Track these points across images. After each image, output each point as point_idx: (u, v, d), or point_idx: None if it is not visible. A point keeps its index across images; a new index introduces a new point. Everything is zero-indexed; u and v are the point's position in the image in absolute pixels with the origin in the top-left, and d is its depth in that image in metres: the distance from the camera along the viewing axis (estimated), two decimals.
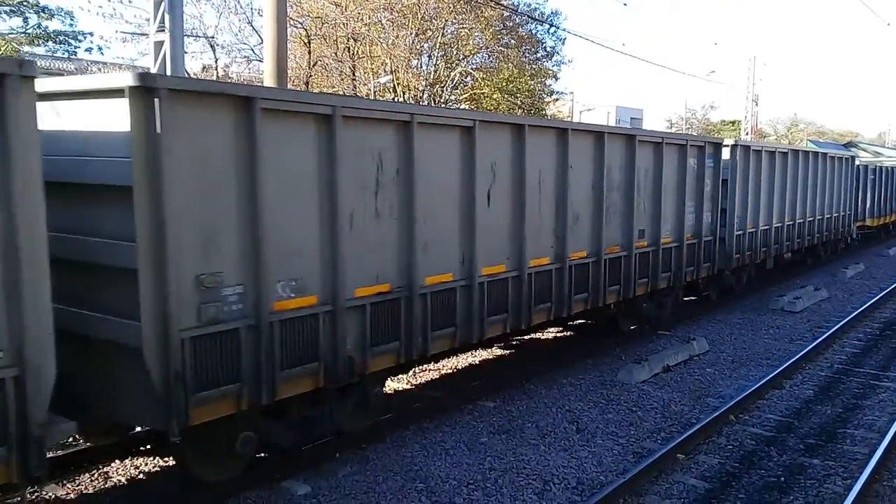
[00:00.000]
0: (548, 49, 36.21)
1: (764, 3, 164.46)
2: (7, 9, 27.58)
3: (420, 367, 11.09)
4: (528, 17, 33.48)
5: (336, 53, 29.89)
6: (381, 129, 7.63)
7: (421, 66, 31.32)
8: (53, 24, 29.37)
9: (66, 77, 6.21)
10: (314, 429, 7.58)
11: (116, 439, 7.68)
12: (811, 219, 20.95)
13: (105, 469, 7.56)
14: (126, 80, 5.57)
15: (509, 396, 10.05)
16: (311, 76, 28.70)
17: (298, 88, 27.07)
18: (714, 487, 7.50)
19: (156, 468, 7.66)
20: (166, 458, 7.67)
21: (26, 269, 4.85)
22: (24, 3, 27.56)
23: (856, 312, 15.76)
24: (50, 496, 6.92)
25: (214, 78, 28.35)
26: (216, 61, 29.34)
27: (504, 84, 33.00)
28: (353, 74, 30.12)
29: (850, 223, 25.39)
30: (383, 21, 29.46)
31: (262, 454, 7.61)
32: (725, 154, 15.21)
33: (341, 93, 28.83)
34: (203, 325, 6.07)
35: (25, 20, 28.30)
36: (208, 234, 6.08)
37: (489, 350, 12.34)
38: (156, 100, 5.59)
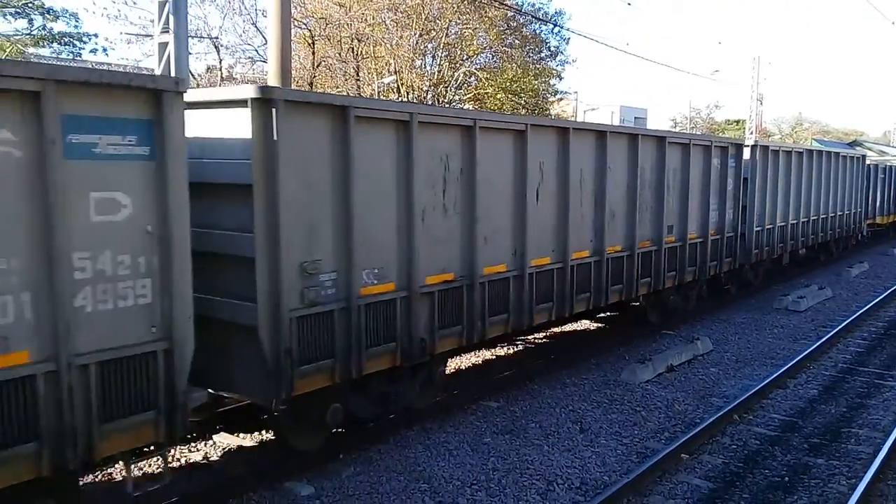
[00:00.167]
0: (552, 49, 36.20)
1: (768, 3, 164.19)
2: (12, 10, 27.68)
3: None
4: (532, 16, 33.49)
5: (340, 54, 29.91)
6: (448, 134, 8.46)
7: (425, 67, 31.32)
8: (58, 26, 29.49)
9: (195, 89, 7.03)
10: (390, 403, 8.40)
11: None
12: (824, 216, 21.66)
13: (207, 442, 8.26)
14: (249, 92, 6.47)
15: (512, 396, 10.06)
16: (315, 77, 28.74)
17: (302, 89, 27.12)
18: (718, 487, 7.50)
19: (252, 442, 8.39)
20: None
21: (175, 260, 5.66)
22: (29, 5, 27.66)
23: (860, 311, 15.73)
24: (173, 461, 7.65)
25: (219, 79, 28.43)
26: (220, 62, 29.42)
27: (508, 84, 32.99)
28: (357, 75, 30.14)
29: (861, 220, 26.06)
30: (387, 21, 29.46)
31: (341, 429, 8.25)
32: (746, 154, 16.09)
33: (345, 93, 28.87)
34: (305, 306, 6.94)
35: (30, 22, 28.41)
36: (310, 227, 6.95)
37: (491, 350, 12.35)
38: (273, 109, 6.46)
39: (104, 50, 31.71)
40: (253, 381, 6.82)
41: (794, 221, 19.37)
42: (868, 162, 27.48)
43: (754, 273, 18.14)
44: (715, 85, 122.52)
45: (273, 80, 11.90)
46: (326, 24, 28.72)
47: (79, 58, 30.37)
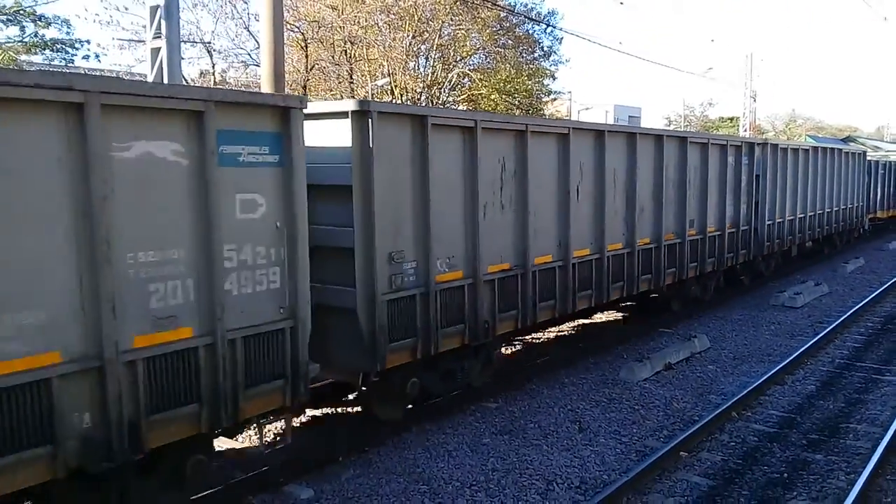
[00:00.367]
0: (545, 49, 36.28)
1: (761, 0, 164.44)
2: (4, 18, 27.59)
3: None
4: (525, 17, 33.52)
5: (333, 57, 29.89)
6: (504, 138, 9.44)
7: (418, 68, 31.34)
8: (50, 33, 29.35)
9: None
10: (455, 380, 9.34)
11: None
12: (829, 210, 22.71)
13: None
14: (349, 105, 7.57)
15: (511, 396, 10.06)
16: (308, 80, 28.72)
17: (296, 93, 27.09)
18: (717, 484, 7.50)
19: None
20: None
21: (298, 251, 6.65)
22: (21, 12, 27.56)
23: (857, 307, 15.74)
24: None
25: (212, 83, 28.38)
26: (213, 67, 29.38)
27: (502, 84, 33.01)
28: (351, 77, 30.14)
29: (863, 214, 27.14)
30: (380, 23, 29.46)
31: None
32: (757, 152, 17.13)
33: (339, 96, 28.86)
34: (393, 291, 7.96)
35: (22, 29, 28.24)
36: (396, 221, 7.95)
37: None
38: (369, 120, 7.49)
39: (97, 56, 31.77)
40: (352, 356, 7.91)
41: (802, 215, 20.30)
42: (868, 158, 28.31)
43: (766, 265, 19.13)
44: (708, 83, 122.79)
45: (266, 85, 11.87)
46: (319, 27, 28.71)
47: (71, 64, 30.30)
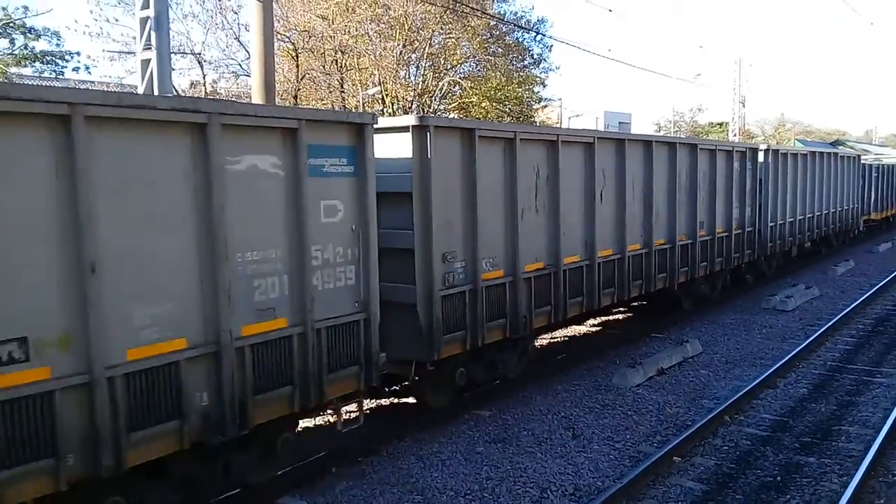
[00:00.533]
0: (535, 56, 36.33)
1: (748, 6, 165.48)
2: None
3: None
4: (515, 25, 33.61)
5: (324, 66, 29.89)
6: (538, 147, 10.26)
7: (409, 77, 31.36)
8: (40, 45, 29.26)
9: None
10: (496, 370, 10.15)
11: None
12: (826, 212, 23.70)
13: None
14: (410, 120, 8.46)
15: (504, 405, 10.06)
16: (299, 89, 28.72)
17: (287, 102, 27.10)
18: (711, 489, 7.52)
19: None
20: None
21: (370, 251, 7.48)
22: (11, 25, 27.49)
23: (847, 310, 15.82)
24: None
25: (203, 94, 28.35)
26: (204, 77, 29.33)
27: (492, 92, 33.06)
28: (342, 87, 30.14)
29: (858, 216, 28.26)
30: (370, 33, 29.49)
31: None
32: (760, 157, 18.14)
33: (330, 105, 28.88)
34: (446, 288, 8.76)
35: (12, 41, 28.14)
36: (448, 224, 8.74)
37: None
38: (427, 134, 8.35)
39: (87, 68, 31.61)
40: (412, 347, 8.64)
41: (801, 217, 21.22)
42: (862, 161, 29.39)
43: (768, 265, 20.05)
44: (697, 88, 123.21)
45: (257, 94, 11.88)
46: (310, 37, 28.72)
47: (61, 76, 30.25)
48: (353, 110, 26.86)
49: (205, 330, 6.10)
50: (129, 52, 25.57)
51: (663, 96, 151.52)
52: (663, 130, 70.31)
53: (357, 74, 30.03)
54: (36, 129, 5.08)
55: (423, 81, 31.04)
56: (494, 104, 33.30)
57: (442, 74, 31.72)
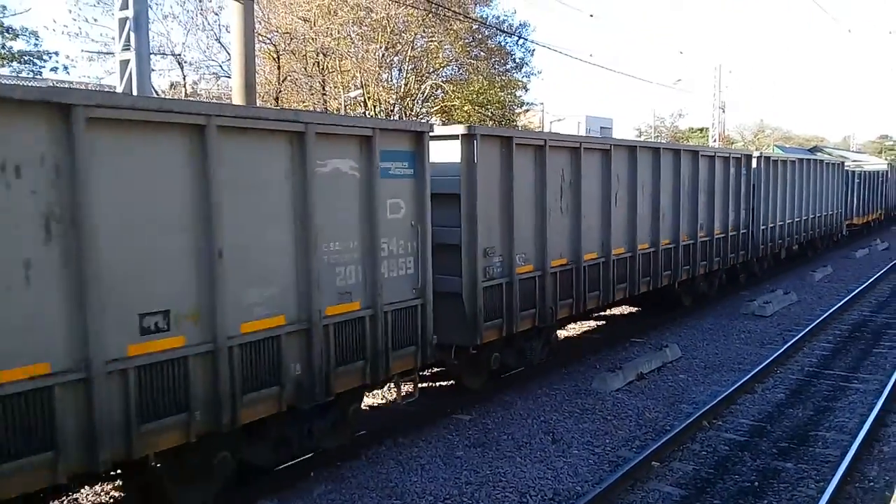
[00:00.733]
0: (517, 60, 36.44)
1: (728, 13, 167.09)
2: None
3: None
4: (497, 29, 33.68)
5: (306, 68, 29.79)
6: (564, 153, 11.26)
7: (391, 80, 31.31)
8: (18, 45, 28.96)
9: None
10: (525, 356, 11.09)
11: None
12: (813, 216, 24.87)
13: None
14: (459, 130, 9.45)
15: (484, 409, 10.04)
16: (280, 91, 28.58)
17: (268, 104, 26.96)
18: (689, 494, 7.54)
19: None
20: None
21: (426, 244, 8.49)
22: None
23: (825, 315, 15.95)
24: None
25: (183, 95, 28.14)
26: (184, 78, 29.11)
27: (474, 96, 33.13)
28: (324, 89, 30.05)
29: (842, 221, 29.36)
30: (352, 35, 29.42)
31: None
32: (753, 164, 19.40)
33: (311, 108, 28.76)
34: (487, 279, 9.69)
35: None
36: (489, 222, 9.67)
37: None
38: (474, 142, 9.31)
39: (65, 68, 31.24)
40: (457, 332, 9.49)
41: (790, 221, 22.41)
42: (846, 168, 30.48)
43: (760, 266, 21.08)
44: (678, 94, 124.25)
45: (237, 96, 11.80)
46: (291, 39, 28.61)
47: (39, 76, 29.88)
48: (336, 112, 26.76)
49: (299, 309, 7.09)
50: (108, 53, 25.35)
51: (644, 101, 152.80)
52: (644, 135, 70.70)
53: (339, 77, 29.96)
54: (180, 136, 6.04)
55: (406, 84, 31.01)
56: (476, 108, 33.38)
57: (424, 78, 31.73)
